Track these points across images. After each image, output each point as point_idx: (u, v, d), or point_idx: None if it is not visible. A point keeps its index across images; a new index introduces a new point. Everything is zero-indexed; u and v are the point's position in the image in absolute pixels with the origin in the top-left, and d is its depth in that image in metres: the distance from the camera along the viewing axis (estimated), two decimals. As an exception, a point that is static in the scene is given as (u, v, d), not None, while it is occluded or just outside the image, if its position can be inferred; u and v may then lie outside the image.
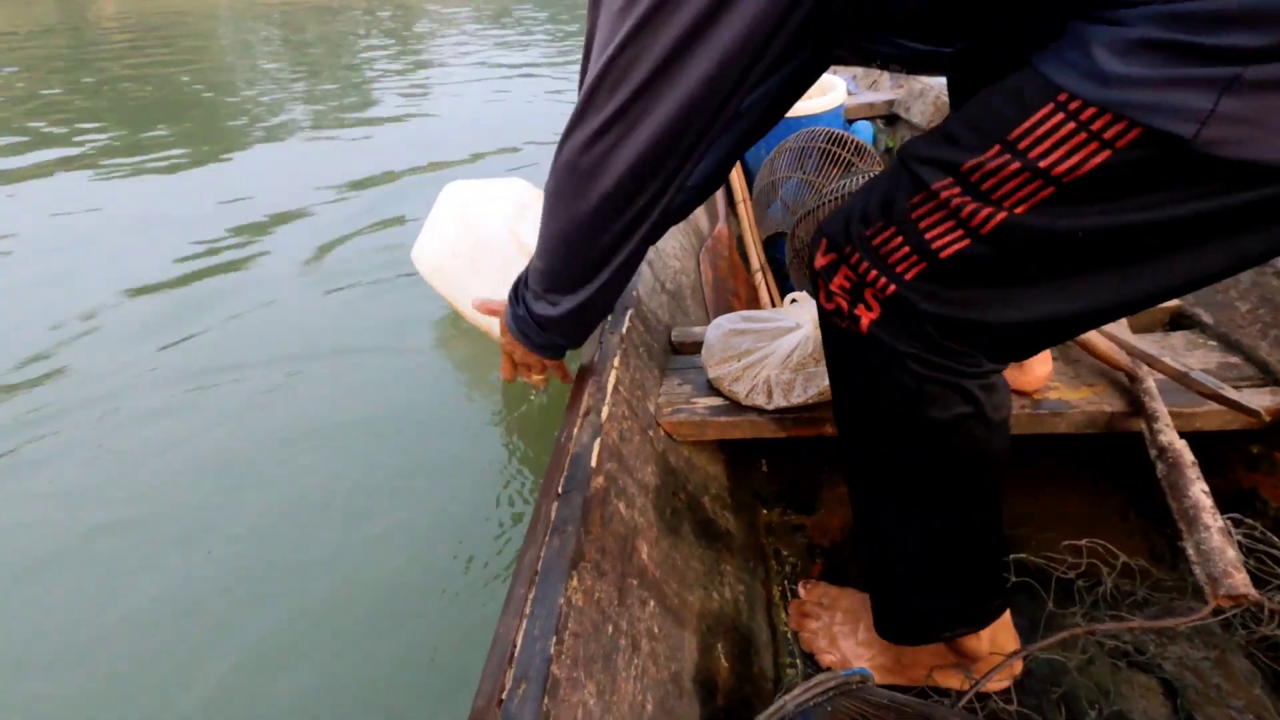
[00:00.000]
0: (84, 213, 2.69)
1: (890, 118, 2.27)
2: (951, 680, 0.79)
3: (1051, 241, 0.53)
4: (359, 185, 2.92)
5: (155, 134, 3.77)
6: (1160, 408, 0.89)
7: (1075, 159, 0.49)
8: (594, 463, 0.78)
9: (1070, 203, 0.51)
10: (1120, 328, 1.04)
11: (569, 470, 0.77)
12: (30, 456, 1.44)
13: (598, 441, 0.81)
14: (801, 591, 0.94)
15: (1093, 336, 1.00)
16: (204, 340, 1.83)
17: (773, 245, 1.71)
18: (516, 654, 0.56)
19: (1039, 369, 0.95)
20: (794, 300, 1.07)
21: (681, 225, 1.69)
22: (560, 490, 0.74)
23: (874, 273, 0.60)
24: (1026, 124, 0.50)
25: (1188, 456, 0.81)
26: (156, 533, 1.25)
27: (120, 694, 1.00)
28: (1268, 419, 0.89)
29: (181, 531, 1.25)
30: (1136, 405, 0.92)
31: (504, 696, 0.53)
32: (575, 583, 0.64)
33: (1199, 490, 0.77)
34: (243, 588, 1.14)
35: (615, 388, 0.92)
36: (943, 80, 1.60)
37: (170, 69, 5.77)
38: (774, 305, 1.53)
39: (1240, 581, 0.67)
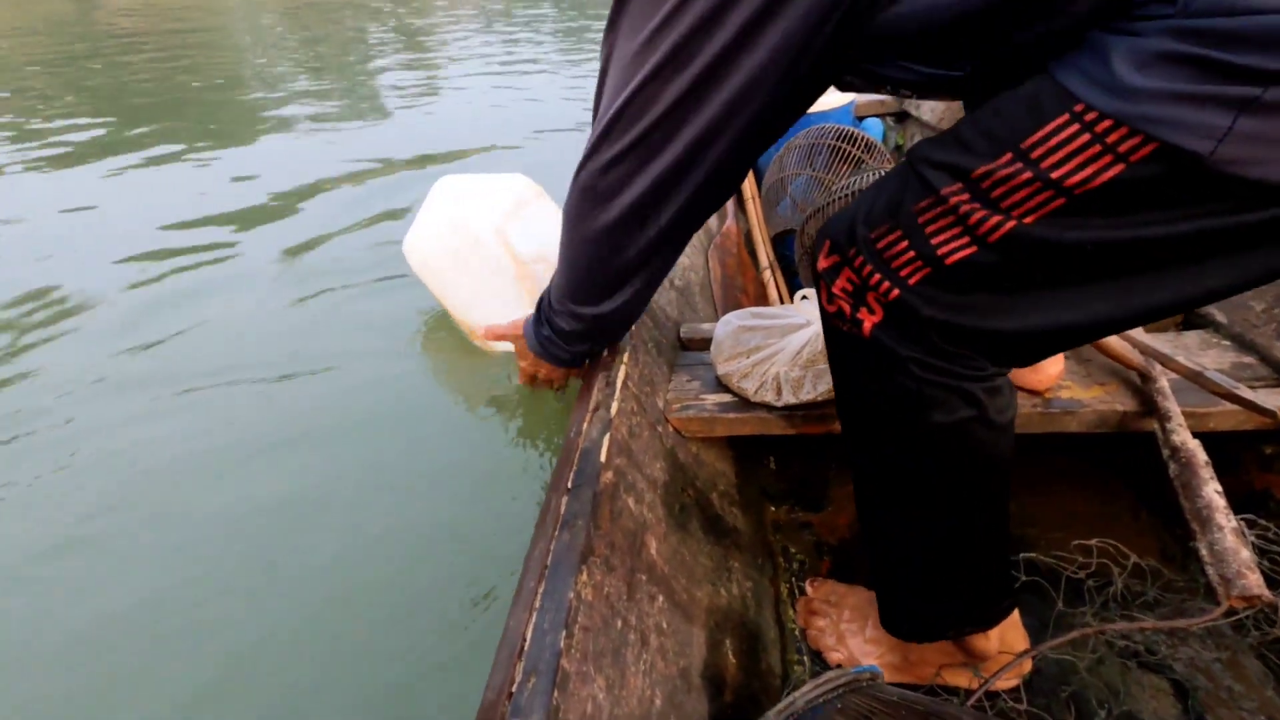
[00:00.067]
0: (74, 207, 2.66)
1: (900, 115, 2.26)
2: (960, 679, 0.79)
3: (1059, 252, 0.53)
4: (360, 178, 2.92)
5: (152, 129, 3.75)
6: (1173, 407, 0.88)
7: (1088, 171, 0.49)
8: (603, 458, 0.78)
9: (1080, 215, 0.51)
10: (1133, 327, 1.04)
11: (578, 465, 0.77)
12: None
13: (607, 437, 0.81)
14: (809, 589, 0.94)
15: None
16: (194, 337, 1.79)
17: (781, 242, 1.70)
18: (526, 648, 0.56)
19: (1050, 368, 0.95)
20: (804, 297, 1.07)
21: (690, 222, 1.68)
22: (570, 485, 0.74)
23: (877, 276, 0.60)
24: (1040, 133, 0.50)
25: (1201, 456, 0.81)
26: (154, 535, 1.23)
27: (119, 695, 0.99)
28: (1282, 419, 0.88)
29: (183, 529, 1.24)
30: (1149, 405, 0.91)
31: (514, 690, 0.53)
32: (585, 577, 0.64)
33: (1212, 491, 0.76)
34: (244, 587, 1.13)
35: (624, 383, 0.92)
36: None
37: (173, 64, 5.78)
38: (782, 303, 1.53)
39: (1254, 583, 0.67)
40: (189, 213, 2.59)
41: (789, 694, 0.58)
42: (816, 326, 1.00)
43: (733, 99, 0.60)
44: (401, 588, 1.11)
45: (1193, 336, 1.06)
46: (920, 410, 0.63)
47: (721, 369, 1.02)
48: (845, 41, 0.57)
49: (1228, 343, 1.04)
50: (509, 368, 1.59)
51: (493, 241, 1.43)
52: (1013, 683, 0.78)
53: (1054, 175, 0.50)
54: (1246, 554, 0.69)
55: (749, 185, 1.89)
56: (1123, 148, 0.47)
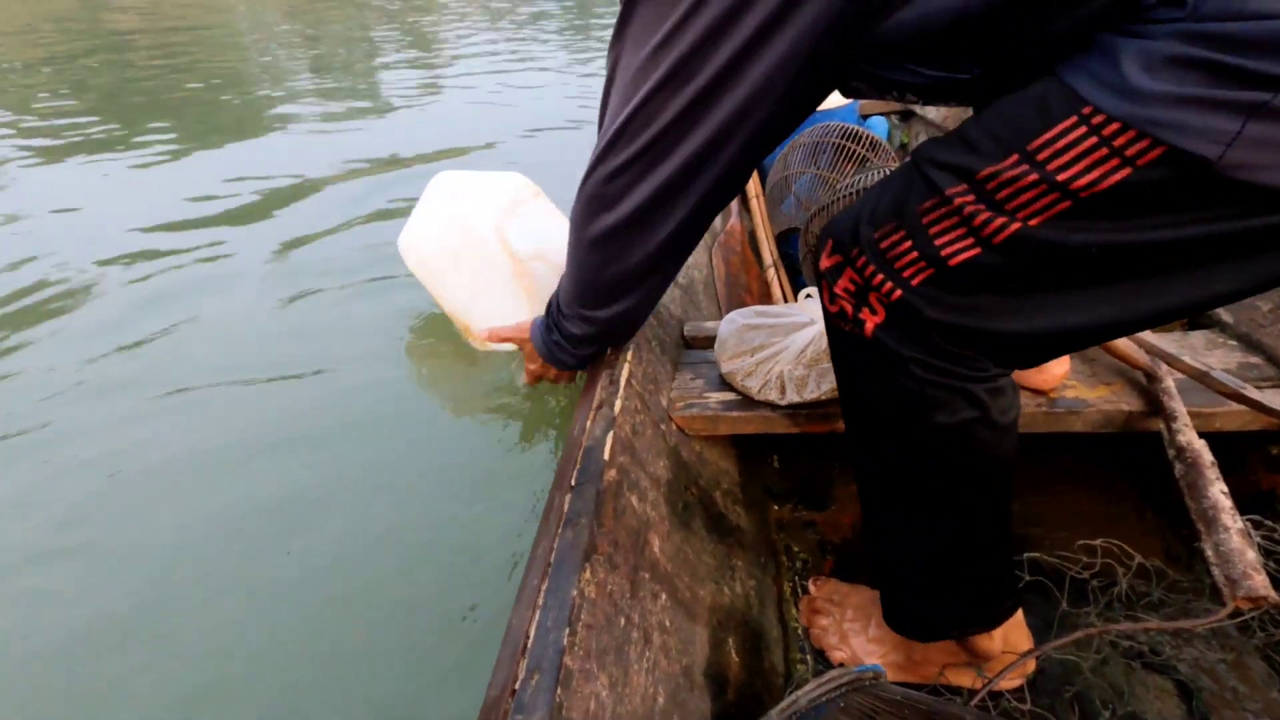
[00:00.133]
0: (65, 207, 2.64)
1: (905, 113, 2.25)
2: (963, 678, 0.79)
3: (1064, 255, 0.53)
4: (357, 175, 2.91)
5: (147, 128, 3.73)
6: (1179, 407, 0.88)
7: (1094, 174, 0.49)
8: (607, 456, 0.78)
9: (1085, 218, 0.51)
10: (1139, 326, 1.03)
11: (582, 463, 0.77)
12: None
13: (610, 435, 0.81)
14: (812, 588, 0.94)
15: (1111, 335, 0.99)
16: (188, 337, 1.78)
17: (785, 241, 1.70)
18: (530, 645, 0.57)
19: (1055, 367, 0.94)
20: (808, 295, 1.07)
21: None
22: (573, 483, 0.74)
23: (880, 277, 0.60)
24: (1047, 135, 0.50)
25: (1207, 457, 0.80)
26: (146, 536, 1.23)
27: (119, 696, 0.98)
28: (1289, 420, 0.88)
29: (183, 529, 1.24)
30: (1155, 405, 0.91)
31: (517, 687, 0.53)
32: (588, 575, 0.64)
33: (1218, 491, 0.76)
34: (244, 587, 1.13)
35: (628, 381, 0.92)
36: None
37: (172, 61, 5.77)
38: (786, 301, 1.52)
39: (1260, 584, 0.66)
40: (186, 211, 2.58)
41: (792, 692, 0.58)
42: (820, 325, 0.99)
43: (739, 109, 0.61)
44: (403, 587, 1.11)
45: (1199, 336, 1.05)
46: (922, 411, 0.63)
47: (725, 367, 1.02)
48: (853, 47, 0.57)
49: (1234, 342, 1.03)
50: (510, 366, 1.59)
51: (491, 238, 1.40)
52: (1016, 683, 0.78)
53: (1060, 178, 0.49)
54: (1252, 555, 0.69)
55: (753, 184, 1.89)
56: (1130, 151, 0.47)
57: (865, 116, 2.16)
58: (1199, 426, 0.86)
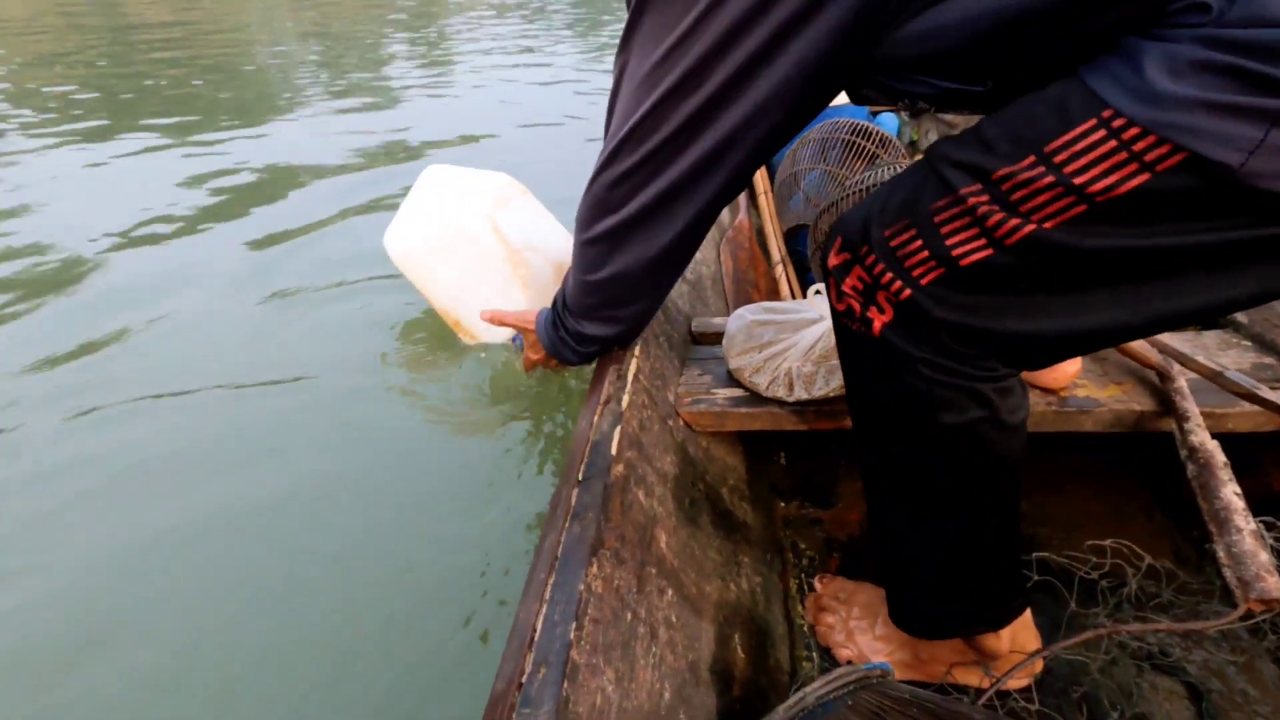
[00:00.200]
0: (49, 201, 2.64)
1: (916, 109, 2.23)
2: (971, 677, 0.78)
3: (1077, 259, 0.52)
4: (350, 170, 2.92)
5: (142, 124, 3.72)
6: (1192, 407, 0.87)
7: (1112, 179, 0.48)
8: (614, 451, 0.78)
9: (1100, 222, 0.50)
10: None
11: (589, 458, 0.77)
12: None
13: (618, 430, 0.81)
14: (818, 585, 0.94)
15: (1123, 334, 0.98)
16: (179, 332, 1.77)
17: (793, 237, 1.69)
18: (536, 638, 0.57)
19: (1066, 366, 0.93)
20: (817, 291, 1.06)
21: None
22: (580, 477, 0.74)
23: (889, 275, 0.59)
24: (1066, 137, 0.49)
25: (1220, 457, 0.80)
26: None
27: (120, 696, 0.98)
28: (1304, 421, 0.87)
29: (183, 529, 1.23)
30: (1167, 404, 0.90)
31: (524, 680, 0.53)
32: (595, 569, 0.64)
33: (1231, 492, 0.75)
34: (246, 587, 1.13)
35: (635, 377, 0.92)
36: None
37: (170, 55, 5.79)
38: (794, 298, 1.52)
39: (1273, 586, 0.66)
40: (172, 205, 2.56)
41: (799, 690, 0.57)
42: (829, 322, 0.99)
43: (743, 119, 0.62)
44: (407, 586, 1.11)
45: (1212, 336, 1.04)
46: (930, 410, 0.62)
47: (733, 363, 1.02)
48: (865, 56, 0.57)
49: (1248, 343, 1.02)
50: (503, 360, 1.58)
51: (484, 229, 1.37)
52: (1024, 682, 0.78)
53: (1077, 181, 0.49)
54: (1265, 557, 0.68)
55: (761, 180, 1.88)
56: (1150, 156, 0.46)
57: (875, 112, 2.15)
58: (1212, 427, 0.85)
